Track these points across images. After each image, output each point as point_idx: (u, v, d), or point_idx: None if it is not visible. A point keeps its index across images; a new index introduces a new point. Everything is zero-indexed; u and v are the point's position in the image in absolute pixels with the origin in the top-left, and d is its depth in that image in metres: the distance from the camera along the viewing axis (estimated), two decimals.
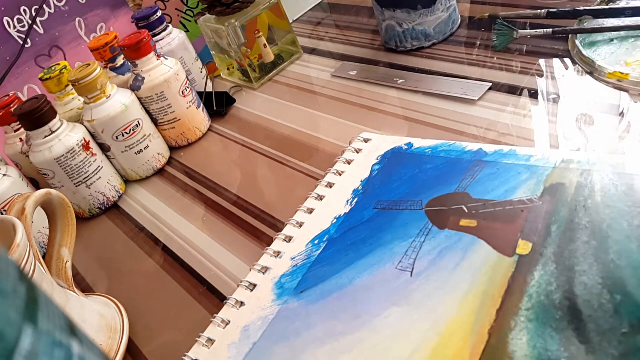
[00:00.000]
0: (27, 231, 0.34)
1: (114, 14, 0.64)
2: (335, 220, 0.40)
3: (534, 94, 0.47)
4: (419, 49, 0.59)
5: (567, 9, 0.53)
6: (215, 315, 0.37)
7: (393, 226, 0.38)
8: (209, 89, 0.65)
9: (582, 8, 0.52)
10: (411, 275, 0.34)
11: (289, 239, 0.40)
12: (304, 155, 0.51)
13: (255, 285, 0.38)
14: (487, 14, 0.59)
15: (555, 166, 0.37)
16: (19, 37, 0.57)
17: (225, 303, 0.37)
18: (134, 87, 0.55)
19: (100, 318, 0.38)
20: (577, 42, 0.49)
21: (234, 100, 0.64)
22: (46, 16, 0.59)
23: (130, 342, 0.39)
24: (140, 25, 0.60)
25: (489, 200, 0.37)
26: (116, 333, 0.38)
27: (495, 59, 0.53)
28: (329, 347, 0.32)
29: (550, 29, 0.51)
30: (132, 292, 0.44)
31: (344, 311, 0.33)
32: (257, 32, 0.64)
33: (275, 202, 0.47)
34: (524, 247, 0.33)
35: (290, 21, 0.72)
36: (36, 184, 0.55)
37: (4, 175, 0.49)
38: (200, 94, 0.63)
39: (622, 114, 0.41)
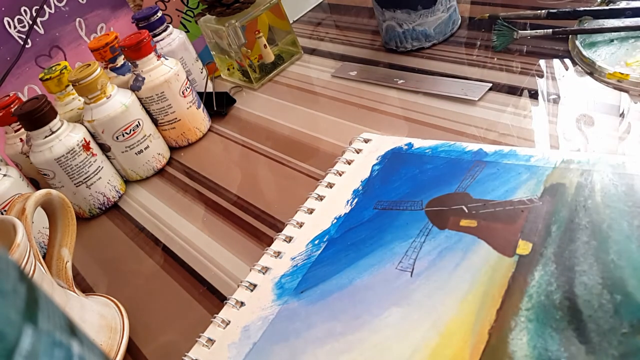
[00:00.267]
0: (27, 231, 0.34)
1: (114, 14, 0.64)
2: (336, 221, 0.40)
3: (534, 95, 0.47)
4: (419, 49, 0.59)
5: (567, 10, 0.53)
6: (215, 315, 0.37)
7: (393, 226, 0.38)
8: (209, 89, 0.65)
9: (582, 8, 0.52)
10: (411, 276, 0.34)
11: (289, 239, 0.40)
12: (304, 155, 0.51)
13: (255, 285, 0.38)
14: (487, 15, 0.59)
15: (555, 166, 0.37)
16: (19, 37, 0.58)
17: (225, 303, 0.37)
18: (134, 87, 0.55)
19: (100, 318, 0.38)
20: (577, 42, 0.49)
21: (234, 101, 0.64)
22: (46, 16, 0.59)
23: (130, 342, 0.39)
24: (140, 25, 0.60)
25: (489, 201, 0.37)
26: (116, 333, 0.38)
27: (496, 59, 0.53)
28: (329, 347, 0.32)
29: (550, 30, 0.52)
30: (132, 292, 0.44)
31: (344, 311, 0.33)
32: (257, 32, 0.64)
33: (275, 202, 0.47)
34: (524, 247, 0.33)
35: (291, 21, 0.72)
36: (36, 184, 0.55)
37: (4, 175, 0.49)
38: (200, 94, 0.63)
39: (622, 115, 0.41)
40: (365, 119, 0.53)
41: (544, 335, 0.28)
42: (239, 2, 0.62)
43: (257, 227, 0.45)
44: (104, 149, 0.54)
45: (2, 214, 0.47)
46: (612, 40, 0.48)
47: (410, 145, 0.45)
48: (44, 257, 0.39)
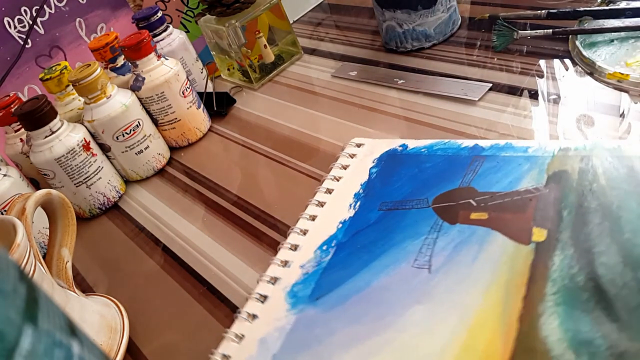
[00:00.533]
0: (28, 231, 0.35)
1: (115, 14, 0.64)
2: (341, 225, 0.40)
3: (534, 95, 0.47)
4: (419, 49, 0.59)
5: (567, 10, 0.53)
6: (227, 330, 0.35)
7: (402, 225, 0.38)
8: (209, 89, 0.65)
9: (582, 9, 0.52)
10: (429, 272, 0.34)
11: (294, 247, 0.40)
12: (304, 155, 0.51)
13: (266, 297, 0.37)
14: (487, 15, 0.59)
15: (554, 155, 0.38)
16: (19, 37, 0.58)
17: (236, 317, 0.36)
18: (134, 88, 0.55)
19: (100, 318, 0.38)
20: (577, 42, 0.49)
21: (234, 101, 0.64)
22: (46, 16, 0.59)
23: (130, 342, 0.39)
24: (140, 25, 0.60)
25: (496, 192, 0.37)
26: (116, 333, 0.38)
27: (496, 59, 0.53)
28: (355, 352, 0.31)
29: (551, 30, 0.52)
30: (132, 292, 0.44)
31: (365, 314, 0.33)
32: (257, 32, 0.64)
33: (275, 202, 0.47)
34: (539, 234, 0.33)
35: (291, 22, 0.72)
36: (36, 184, 0.55)
37: (4, 175, 0.49)
38: (200, 94, 0.63)
39: (622, 115, 0.41)
40: (365, 119, 0.53)
41: (574, 317, 0.28)
42: (239, 2, 0.62)
43: (257, 227, 0.45)
44: (104, 149, 0.54)
45: (2, 214, 0.47)
46: (612, 41, 0.48)
47: (404, 146, 0.45)
48: (44, 257, 0.39)
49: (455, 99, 0.50)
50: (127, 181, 0.57)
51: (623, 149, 0.36)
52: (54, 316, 0.13)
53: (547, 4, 0.58)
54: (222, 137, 0.59)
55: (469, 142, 0.42)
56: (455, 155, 0.42)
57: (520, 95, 0.48)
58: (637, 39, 0.47)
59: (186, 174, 0.56)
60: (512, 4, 0.60)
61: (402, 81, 0.55)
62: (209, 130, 0.61)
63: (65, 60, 0.61)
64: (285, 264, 0.39)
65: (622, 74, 0.43)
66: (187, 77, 0.58)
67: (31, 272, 0.33)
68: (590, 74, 0.46)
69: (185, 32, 0.66)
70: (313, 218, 0.42)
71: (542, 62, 0.50)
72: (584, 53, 0.47)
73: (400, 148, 0.45)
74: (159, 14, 0.60)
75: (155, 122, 0.57)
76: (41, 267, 0.35)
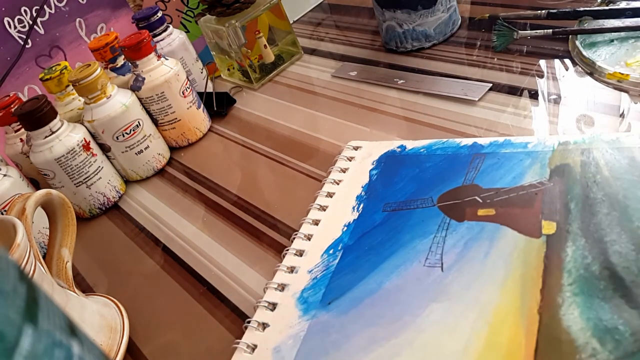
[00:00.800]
0: (28, 231, 0.34)
1: (115, 14, 0.64)
2: (346, 228, 0.40)
3: (534, 95, 0.47)
4: (419, 49, 0.59)
5: (567, 10, 0.53)
6: (239, 340, 0.35)
7: (409, 225, 0.38)
8: (209, 89, 0.65)
9: (582, 9, 0.52)
10: (442, 270, 0.33)
11: (300, 253, 0.39)
12: (304, 155, 0.51)
13: (275, 304, 0.36)
14: (487, 15, 0.59)
15: (554, 149, 0.38)
16: (19, 37, 0.58)
17: (246, 327, 0.35)
18: (134, 88, 0.55)
19: (100, 318, 0.38)
20: (577, 42, 0.49)
21: (234, 101, 0.64)
22: (47, 16, 0.59)
23: (130, 342, 0.39)
24: (140, 25, 0.60)
25: (500, 188, 0.37)
26: (116, 333, 0.38)
27: (496, 59, 0.53)
28: (375, 355, 0.31)
29: (551, 30, 0.52)
30: (132, 292, 0.44)
31: (381, 316, 0.32)
32: (257, 32, 0.64)
33: (275, 202, 0.47)
34: (548, 227, 0.33)
35: (291, 22, 0.72)
36: (36, 184, 0.55)
37: (5, 175, 0.49)
38: (200, 94, 0.63)
39: (622, 115, 0.41)
40: (365, 119, 0.53)
41: (594, 306, 0.28)
42: (239, 2, 0.62)
43: (257, 227, 0.45)
44: (104, 149, 0.54)
45: (2, 214, 0.47)
46: (612, 41, 0.48)
47: (403, 147, 0.45)
48: (44, 257, 0.39)
49: (455, 99, 0.50)
50: (127, 181, 0.57)
51: (622, 141, 0.37)
52: (54, 316, 0.13)
53: (547, 4, 0.58)
54: (222, 137, 0.59)
55: (467, 141, 0.42)
56: (455, 154, 0.42)
57: (520, 95, 0.48)
58: (637, 39, 0.47)
59: (186, 174, 0.56)
60: (512, 4, 0.60)
61: (402, 81, 0.55)
62: (209, 130, 0.61)
63: (65, 60, 0.61)
64: (292, 270, 0.38)
65: (622, 74, 0.43)
66: (187, 77, 0.58)
67: (31, 272, 0.33)
68: (590, 74, 0.46)
69: (185, 32, 0.66)
70: (316, 222, 0.41)
71: (542, 62, 0.50)
72: (584, 53, 0.47)
73: (399, 149, 0.45)
74: (159, 14, 0.60)
75: (155, 122, 0.57)
76: (41, 267, 0.35)
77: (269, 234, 0.44)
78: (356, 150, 0.47)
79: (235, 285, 0.41)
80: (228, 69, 0.69)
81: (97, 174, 0.53)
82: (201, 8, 0.68)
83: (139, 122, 0.54)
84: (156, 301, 0.42)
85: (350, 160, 0.46)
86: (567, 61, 0.49)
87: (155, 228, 0.50)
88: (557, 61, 0.50)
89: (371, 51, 0.64)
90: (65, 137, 0.50)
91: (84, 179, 0.52)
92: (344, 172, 0.45)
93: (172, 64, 0.56)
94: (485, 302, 0.31)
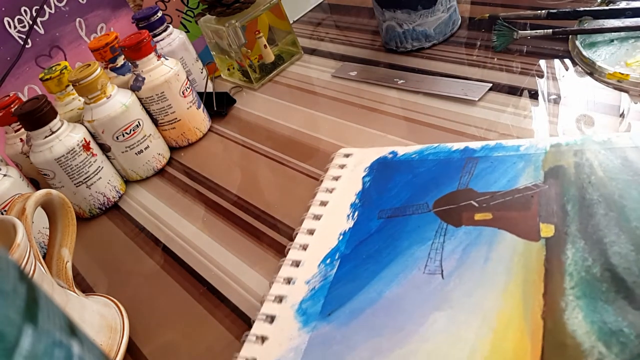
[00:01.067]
0: (28, 231, 0.34)
1: (115, 14, 0.64)
2: (342, 237, 0.39)
3: (534, 95, 0.47)
4: (419, 49, 0.59)
5: (567, 10, 0.53)
6: (237, 354, 0.34)
7: (406, 232, 0.37)
8: (209, 89, 0.65)
9: (582, 9, 0.52)
10: (442, 277, 0.33)
11: (296, 263, 0.38)
12: (304, 155, 0.51)
13: (274, 317, 0.35)
14: (487, 15, 0.59)
15: (547, 151, 0.38)
16: (19, 37, 0.58)
17: (244, 340, 0.34)
18: (134, 88, 0.55)
19: (100, 318, 0.38)
20: (577, 42, 0.49)
21: (234, 101, 0.64)
22: (46, 16, 0.59)
23: (130, 342, 0.39)
24: (140, 25, 0.60)
25: (496, 192, 0.37)
26: (116, 333, 0.38)
27: (496, 59, 0.53)
28: None
29: (550, 30, 0.52)
30: (132, 292, 0.44)
31: (384, 326, 0.32)
32: (257, 32, 0.64)
33: (275, 202, 0.47)
34: (546, 230, 0.33)
35: (291, 22, 0.72)
36: (36, 184, 0.55)
37: (5, 175, 0.49)
38: (200, 94, 0.63)
39: (622, 115, 0.41)
40: (365, 119, 0.53)
41: (597, 309, 0.28)
42: (239, 2, 0.62)
43: (257, 227, 0.45)
44: (104, 149, 0.54)
45: (2, 214, 0.47)
46: (612, 41, 0.48)
47: (394, 153, 0.44)
48: (44, 257, 0.39)
49: (455, 99, 0.50)
50: (127, 181, 0.57)
51: (613, 141, 0.37)
52: (54, 316, 0.13)
53: (547, 4, 0.58)
54: (222, 137, 0.59)
55: (459, 145, 0.42)
56: (447, 158, 0.42)
57: (520, 95, 0.48)
58: (637, 39, 0.47)
59: (186, 174, 0.56)
60: (512, 4, 0.60)
61: (402, 81, 0.55)
62: (209, 130, 0.61)
63: (65, 60, 0.61)
64: (289, 281, 0.37)
65: (622, 74, 0.43)
66: (187, 77, 0.58)
67: (31, 272, 0.33)
68: (590, 74, 0.46)
69: (185, 32, 0.66)
70: (311, 232, 0.40)
71: (542, 62, 0.50)
72: (584, 53, 0.47)
73: (391, 155, 0.44)
74: (159, 14, 0.60)
75: (155, 122, 0.57)
76: (41, 267, 0.35)
77: (269, 234, 0.44)
78: (347, 157, 0.46)
79: (235, 285, 0.41)
80: (228, 69, 0.69)
81: (97, 174, 0.53)
82: (201, 8, 0.68)
83: (139, 122, 0.54)
84: (156, 301, 0.42)
85: (342, 168, 0.45)
86: (567, 61, 0.49)
87: (155, 228, 0.50)
88: (557, 61, 0.50)
89: (371, 51, 0.64)
90: (65, 137, 0.50)
91: (84, 179, 0.52)
92: (337, 180, 0.44)
93: (172, 64, 0.56)
94: (488, 309, 0.30)
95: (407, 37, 0.59)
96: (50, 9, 0.59)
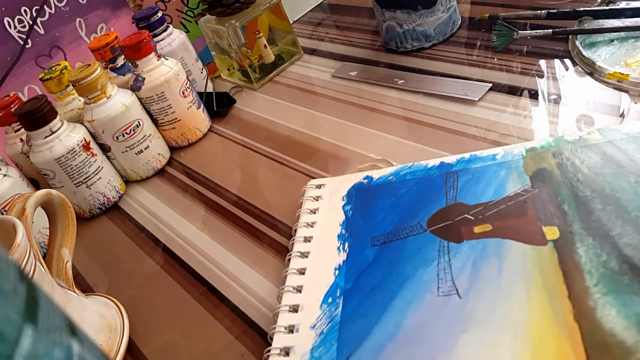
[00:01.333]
0: (28, 231, 0.35)
1: (115, 14, 0.64)
2: (338, 271, 0.36)
3: (534, 95, 0.47)
4: (419, 49, 0.59)
5: (567, 10, 0.53)
6: None
7: (406, 256, 0.35)
8: (209, 89, 0.65)
9: (582, 9, 0.52)
10: (460, 297, 0.31)
11: (294, 309, 0.35)
12: (304, 155, 0.51)
13: None
14: (487, 15, 0.59)
15: (524, 156, 0.38)
16: (19, 37, 0.58)
17: None
18: (134, 88, 0.55)
19: (100, 318, 0.38)
20: (577, 42, 0.49)
21: (234, 101, 0.64)
22: (46, 16, 0.59)
23: (130, 342, 0.39)
24: (140, 25, 0.60)
25: (487, 202, 0.36)
26: (116, 333, 0.38)
27: (496, 59, 0.53)
28: None
29: (550, 30, 0.52)
30: (132, 292, 0.44)
31: (411, 359, 0.29)
32: (257, 32, 0.65)
33: (275, 202, 0.47)
34: (551, 233, 0.33)
35: (291, 22, 0.72)
36: (36, 184, 0.56)
37: (5, 175, 0.49)
38: (200, 94, 0.63)
39: (622, 115, 0.41)
40: (365, 119, 0.53)
41: (627, 302, 0.27)
42: (239, 2, 0.62)
43: (257, 227, 0.45)
44: (104, 149, 0.54)
45: (2, 214, 0.47)
46: (612, 41, 0.48)
47: (369, 177, 0.43)
48: (44, 257, 0.39)
49: (455, 99, 0.50)
50: (127, 181, 0.57)
51: (586, 139, 0.37)
52: (54, 316, 0.13)
53: (547, 4, 0.58)
54: (222, 137, 0.59)
55: (434, 162, 0.41)
56: (426, 176, 0.40)
57: (520, 95, 0.48)
58: (637, 39, 0.47)
59: (186, 174, 0.56)
60: (512, 4, 0.61)
61: (402, 81, 0.55)
62: (209, 130, 0.61)
63: (65, 60, 0.61)
64: (291, 329, 0.34)
65: (622, 74, 0.43)
66: (187, 77, 0.58)
67: (31, 272, 0.33)
68: (590, 74, 0.46)
69: (185, 32, 0.66)
70: (302, 272, 0.37)
71: (542, 62, 0.50)
72: (584, 53, 0.47)
73: (366, 180, 0.43)
74: (159, 14, 0.60)
75: (155, 122, 0.57)
76: (41, 267, 0.35)
77: (269, 234, 0.44)
78: (320, 188, 0.44)
79: (235, 285, 0.41)
80: (228, 69, 0.69)
81: (97, 174, 0.53)
82: (201, 8, 0.68)
83: (139, 122, 0.54)
84: (156, 301, 0.42)
85: (317, 200, 0.43)
86: (567, 61, 0.49)
87: (155, 228, 0.50)
88: (557, 61, 0.50)
89: (371, 51, 0.64)
90: (65, 137, 0.50)
91: (84, 179, 0.52)
92: (314, 213, 0.42)
93: (172, 64, 0.56)
94: (517, 321, 0.29)
95: (407, 37, 0.59)
96: (50, 9, 0.59)
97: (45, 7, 0.59)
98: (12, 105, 0.52)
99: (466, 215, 0.36)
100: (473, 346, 0.29)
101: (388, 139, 0.49)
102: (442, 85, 0.52)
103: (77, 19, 0.61)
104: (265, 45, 0.65)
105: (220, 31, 0.63)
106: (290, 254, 0.39)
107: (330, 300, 0.34)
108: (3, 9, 0.56)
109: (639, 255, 0.29)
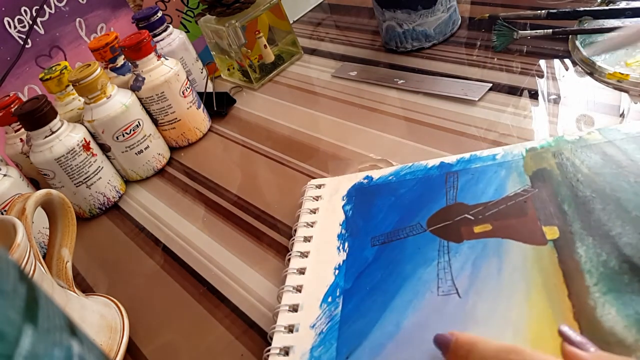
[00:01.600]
0: (28, 231, 0.35)
1: (115, 14, 0.64)
2: (338, 271, 0.36)
3: (534, 95, 0.47)
4: (419, 49, 0.59)
5: (567, 10, 0.53)
6: None
7: (406, 256, 0.35)
8: (209, 89, 0.65)
9: (582, 9, 0.52)
10: (459, 296, 0.31)
11: (294, 308, 0.35)
12: (304, 155, 0.51)
13: None
14: (487, 15, 0.59)
15: (524, 156, 0.38)
16: (19, 37, 0.58)
17: None
18: (135, 88, 0.55)
19: (100, 318, 0.38)
20: (577, 42, 0.49)
21: (234, 101, 0.64)
22: (46, 16, 0.59)
23: (130, 342, 0.39)
24: (140, 25, 0.60)
25: (487, 202, 0.36)
26: (116, 333, 0.38)
27: (496, 59, 0.53)
28: None
29: (550, 30, 0.52)
30: (132, 292, 0.44)
31: (412, 358, 0.29)
32: (257, 32, 0.65)
33: (275, 202, 0.47)
34: (551, 232, 0.33)
35: (291, 22, 0.72)
36: (36, 184, 0.55)
37: (5, 175, 0.49)
38: (200, 94, 0.63)
39: (622, 115, 0.41)
40: (365, 119, 0.53)
41: (627, 301, 0.28)
42: (239, 2, 0.62)
43: (257, 227, 0.45)
44: (104, 149, 0.54)
45: (2, 214, 0.47)
46: None
47: (369, 177, 0.43)
48: (44, 257, 0.39)
49: (455, 99, 0.50)
50: (127, 181, 0.57)
51: (586, 139, 0.37)
52: (54, 316, 0.13)
53: (547, 4, 0.58)
54: (222, 137, 0.59)
55: (434, 161, 0.41)
56: (426, 176, 0.40)
57: (520, 95, 0.48)
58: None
59: (186, 174, 0.56)
60: (512, 4, 0.60)
61: (402, 81, 0.55)
62: (209, 130, 0.61)
63: (65, 60, 0.61)
64: (291, 329, 0.34)
65: (622, 74, 0.43)
66: (187, 77, 0.58)
67: (31, 272, 0.33)
68: (590, 74, 0.46)
69: (185, 32, 0.66)
70: (302, 271, 0.37)
71: (542, 62, 0.50)
72: (584, 53, 0.47)
73: (366, 180, 0.43)
74: (159, 14, 0.60)
75: (155, 122, 0.57)
76: (41, 267, 0.35)
77: (269, 234, 0.44)
78: (320, 188, 0.44)
79: (235, 285, 0.41)
80: (228, 69, 0.69)
81: (97, 174, 0.53)
82: (201, 8, 0.68)
83: (139, 122, 0.54)
84: (156, 301, 0.42)
85: (317, 200, 0.43)
86: (567, 61, 0.49)
87: (155, 228, 0.50)
88: (557, 61, 0.50)
89: (371, 51, 0.64)
90: (65, 137, 0.50)
91: (84, 179, 0.52)
92: (314, 212, 0.42)
93: (172, 64, 0.56)
94: (517, 319, 0.29)
95: (407, 37, 0.59)
96: (50, 9, 0.59)
97: (45, 7, 0.59)
98: (12, 105, 0.52)
99: (466, 215, 0.36)
100: None
101: (388, 139, 0.49)
102: (442, 85, 0.52)
103: (77, 19, 0.61)
104: (265, 45, 0.65)
105: (220, 31, 0.63)
106: (290, 254, 0.39)
107: (330, 299, 0.35)
108: (3, 9, 0.56)
109: (638, 254, 0.29)
